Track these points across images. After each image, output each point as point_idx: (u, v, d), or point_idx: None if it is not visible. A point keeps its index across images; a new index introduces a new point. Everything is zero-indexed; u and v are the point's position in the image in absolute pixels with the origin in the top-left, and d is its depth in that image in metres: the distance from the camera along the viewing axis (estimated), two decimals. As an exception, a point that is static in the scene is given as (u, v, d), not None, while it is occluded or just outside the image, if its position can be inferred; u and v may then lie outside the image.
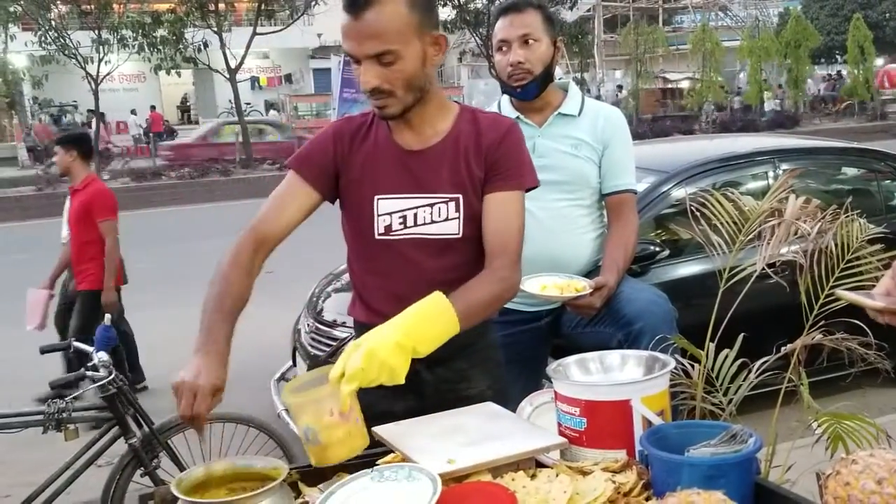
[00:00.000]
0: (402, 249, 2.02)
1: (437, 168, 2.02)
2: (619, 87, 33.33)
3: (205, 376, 1.70)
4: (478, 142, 2.03)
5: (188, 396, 1.68)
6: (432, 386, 2.06)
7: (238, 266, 1.94)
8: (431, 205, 2.01)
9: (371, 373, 1.60)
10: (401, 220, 2.02)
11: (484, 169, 2.02)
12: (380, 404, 1.79)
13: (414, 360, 1.67)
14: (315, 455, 1.62)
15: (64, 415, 3.45)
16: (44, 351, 3.63)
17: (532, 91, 2.81)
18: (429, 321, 1.72)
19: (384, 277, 2.07)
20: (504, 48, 2.78)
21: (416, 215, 2.02)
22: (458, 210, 2.01)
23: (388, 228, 2.03)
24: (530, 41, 2.75)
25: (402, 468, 1.51)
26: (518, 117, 2.84)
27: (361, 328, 2.07)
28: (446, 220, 2.01)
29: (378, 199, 2.02)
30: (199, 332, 1.81)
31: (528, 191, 2.09)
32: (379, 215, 2.02)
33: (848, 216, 2.66)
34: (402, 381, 1.63)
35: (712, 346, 2.51)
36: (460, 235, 2.02)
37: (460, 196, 2.01)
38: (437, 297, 1.75)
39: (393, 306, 1.89)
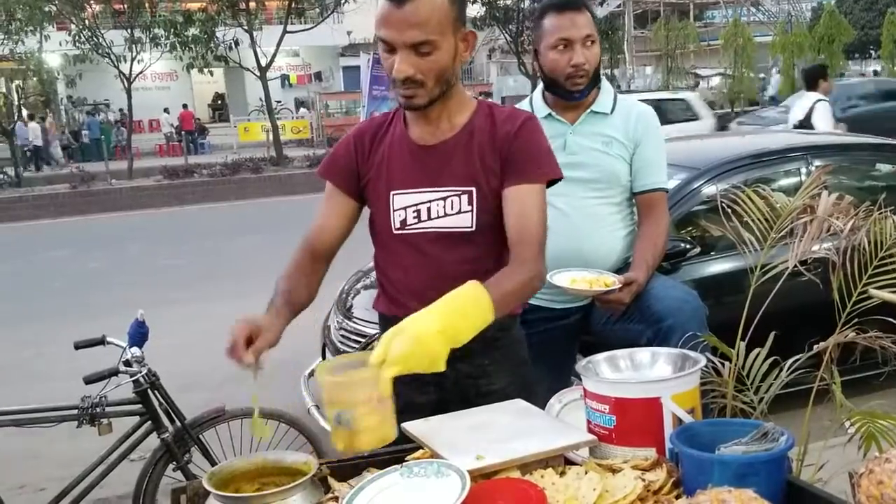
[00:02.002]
0: (418, 243, 2.07)
1: (449, 161, 2.05)
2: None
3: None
4: (493, 135, 2.06)
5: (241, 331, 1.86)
6: (452, 380, 2.03)
7: (299, 269, 2.10)
8: (444, 198, 2.04)
9: (413, 359, 1.61)
10: (415, 214, 2.06)
11: (500, 161, 2.03)
12: (400, 397, 1.79)
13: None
14: (343, 440, 1.61)
15: (98, 409, 3.49)
16: (78, 346, 3.68)
17: (586, 92, 2.79)
18: (467, 309, 1.73)
19: (403, 271, 2.13)
20: (562, 47, 2.72)
21: (429, 209, 2.05)
22: (471, 203, 2.04)
23: (404, 223, 2.08)
24: (590, 42, 2.73)
25: (431, 464, 1.52)
26: (550, 114, 2.83)
27: (386, 321, 2.13)
28: (459, 213, 2.04)
29: (393, 194, 2.08)
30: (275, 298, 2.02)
31: (551, 183, 2.08)
32: (395, 210, 2.08)
33: (881, 213, 2.63)
34: (442, 369, 1.64)
35: (743, 344, 2.49)
36: (474, 228, 2.04)
37: (473, 189, 2.03)
38: (473, 285, 1.76)
39: (413, 300, 1.96)
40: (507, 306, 1.86)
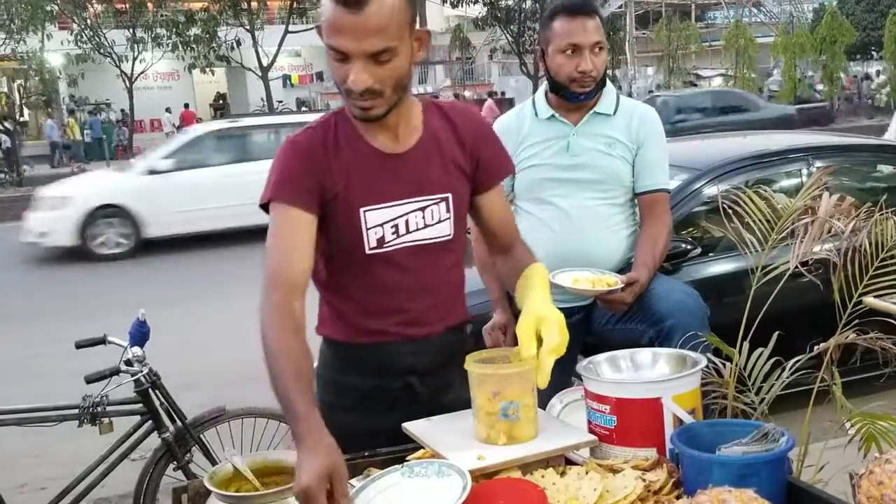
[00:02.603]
0: (399, 260, 1.91)
1: (425, 168, 1.93)
2: (651, 92, 32.94)
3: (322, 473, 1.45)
4: (457, 135, 1.97)
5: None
6: (427, 397, 1.97)
7: (286, 331, 1.72)
8: (423, 208, 1.92)
9: (563, 346, 1.67)
10: (393, 229, 1.90)
11: (473, 164, 1.98)
12: (377, 420, 1.79)
13: (409, 372, 1.77)
14: (507, 432, 1.62)
15: (99, 409, 3.49)
16: (79, 346, 3.68)
17: (591, 96, 2.79)
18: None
19: (381, 293, 1.94)
20: (571, 52, 2.70)
21: (407, 222, 1.91)
22: (448, 210, 1.94)
23: (381, 241, 1.89)
24: (599, 49, 2.72)
25: (432, 464, 1.52)
26: (553, 115, 2.83)
27: (339, 347, 2.00)
28: (439, 221, 1.94)
29: (364, 211, 1.88)
30: (290, 417, 1.59)
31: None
32: (368, 228, 1.88)
33: (883, 214, 2.63)
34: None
35: (746, 344, 2.49)
36: (452, 236, 1.97)
37: (450, 195, 1.94)
38: (542, 267, 1.91)
39: (392, 321, 1.94)
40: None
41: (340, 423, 1.71)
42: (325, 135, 1.91)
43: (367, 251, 1.89)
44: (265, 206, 1.87)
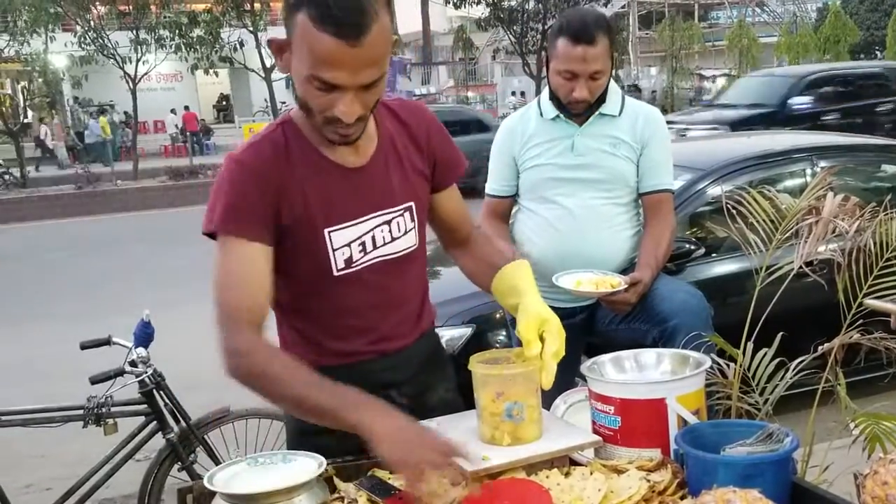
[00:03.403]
0: (368, 277, 1.80)
1: (387, 179, 1.81)
2: (654, 93, 32.90)
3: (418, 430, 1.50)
4: (411, 136, 1.87)
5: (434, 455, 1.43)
6: (407, 408, 1.79)
7: (277, 356, 1.67)
8: (388, 221, 1.81)
9: (563, 347, 1.67)
10: (360, 247, 1.78)
11: (430, 165, 1.90)
12: (356, 438, 1.60)
13: (386, 386, 1.71)
14: (511, 433, 1.62)
15: (103, 410, 3.50)
16: (84, 347, 3.69)
17: (585, 114, 2.81)
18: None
19: (350, 314, 1.83)
20: (568, 77, 2.72)
21: (373, 238, 1.80)
22: (413, 219, 1.85)
23: (349, 261, 1.78)
24: (598, 76, 2.72)
25: (275, 454, 1.58)
26: (558, 116, 2.84)
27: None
28: (405, 233, 1.84)
29: (329, 232, 1.75)
30: (345, 418, 1.52)
31: None
32: (335, 249, 1.76)
33: (887, 214, 2.63)
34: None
35: (750, 345, 2.49)
36: (417, 245, 1.88)
37: (413, 203, 1.85)
38: (525, 264, 1.87)
39: (364, 341, 1.85)
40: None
41: (316, 446, 1.64)
42: (275, 151, 1.73)
43: (336, 273, 1.77)
44: (210, 234, 1.73)
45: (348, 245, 1.77)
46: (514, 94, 32.41)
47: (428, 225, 1.97)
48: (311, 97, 1.61)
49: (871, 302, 2.45)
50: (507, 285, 1.86)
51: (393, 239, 1.83)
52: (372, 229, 1.80)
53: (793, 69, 18.76)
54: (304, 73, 1.57)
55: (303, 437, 1.78)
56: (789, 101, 13.76)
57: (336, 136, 1.66)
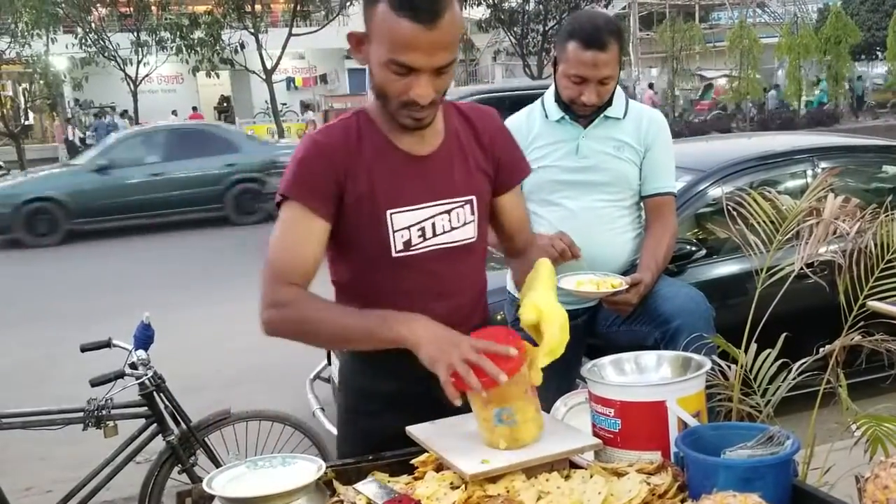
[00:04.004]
0: (424, 263, 1.89)
1: (449, 170, 1.92)
2: (651, 86, 32.92)
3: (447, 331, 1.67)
4: (476, 136, 1.97)
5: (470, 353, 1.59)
6: (433, 400, 1.82)
7: (315, 300, 1.81)
8: (448, 211, 1.90)
9: (562, 347, 1.67)
10: (420, 232, 1.88)
11: (494, 165, 1.98)
12: (402, 424, 1.75)
13: (432, 377, 1.66)
14: (506, 437, 1.61)
15: (103, 412, 3.49)
16: (84, 349, 3.69)
17: (590, 116, 2.81)
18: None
19: (404, 297, 1.88)
20: (577, 81, 2.70)
21: (434, 225, 1.89)
22: (473, 212, 1.93)
23: (408, 244, 1.87)
24: (607, 81, 2.72)
25: (274, 457, 1.58)
26: (563, 117, 2.83)
27: (362, 352, 1.96)
28: (464, 224, 1.92)
29: (391, 213, 1.85)
30: (386, 332, 1.72)
31: None
32: (395, 231, 1.86)
33: (888, 215, 2.62)
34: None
35: (753, 346, 2.49)
36: (476, 239, 1.95)
37: (474, 197, 1.93)
38: (549, 264, 1.86)
39: None
40: None
41: (366, 428, 1.86)
42: (347, 135, 1.88)
43: (394, 254, 1.87)
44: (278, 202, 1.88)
45: (408, 228, 1.87)
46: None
47: (493, 230, 2.08)
48: (388, 82, 1.74)
49: (873, 304, 2.45)
50: (529, 279, 1.87)
51: (452, 228, 1.91)
52: (432, 216, 1.89)
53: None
54: (383, 58, 1.70)
55: (349, 414, 2.03)
56: None
57: (410, 121, 1.79)
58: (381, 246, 1.86)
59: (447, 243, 1.91)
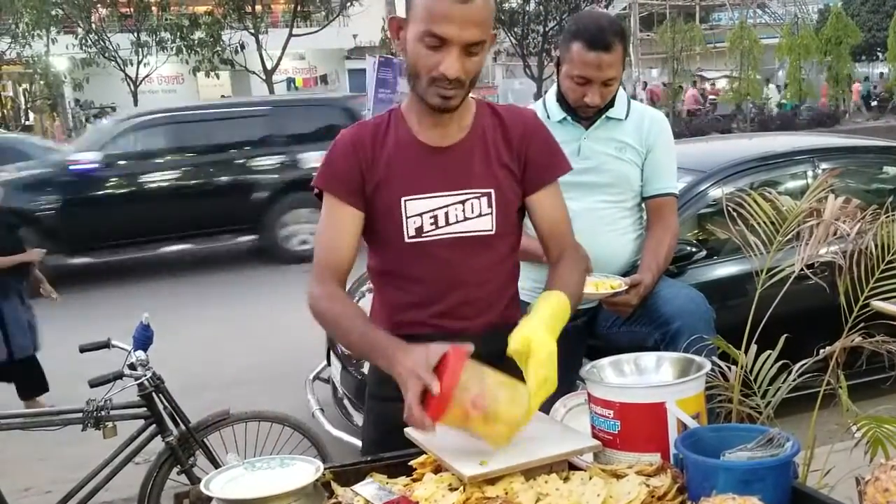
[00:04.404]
0: (436, 251, 1.95)
1: (468, 163, 1.96)
2: (644, 84, 32.88)
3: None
4: (505, 135, 2.00)
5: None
6: None
7: (338, 300, 1.93)
8: (463, 201, 1.94)
9: (552, 380, 1.67)
10: (432, 220, 1.94)
11: (521, 163, 1.99)
12: (399, 412, 1.73)
13: None
14: (484, 422, 1.59)
15: (102, 413, 3.49)
16: (83, 350, 3.68)
17: (592, 117, 2.81)
18: (561, 323, 1.79)
19: (417, 283, 1.98)
20: (581, 82, 2.70)
21: (447, 214, 1.94)
22: (490, 205, 1.95)
23: (420, 230, 1.94)
24: (611, 83, 2.71)
25: (272, 459, 1.58)
26: (565, 118, 2.83)
27: None
28: (479, 216, 1.95)
29: (405, 200, 1.94)
30: (380, 353, 1.79)
31: None
32: (408, 217, 1.94)
33: (889, 216, 2.62)
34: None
35: (753, 347, 2.48)
36: (494, 232, 1.97)
37: (492, 190, 1.95)
38: (559, 295, 1.83)
39: (427, 313, 1.96)
40: (575, 307, 1.91)
41: (384, 412, 1.93)
42: (377, 129, 2.00)
43: (406, 240, 1.94)
44: (319, 195, 2.01)
45: (420, 215, 1.94)
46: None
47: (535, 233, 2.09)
48: (420, 57, 1.83)
49: (877, 304, 2.44)
50: (531, 308, 1.86)
51: (466, 218, 1.95)
52: (446, 206, 1.94)
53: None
54: (419, 31, 1.81)
55: (371, 400, 2.14)
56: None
57: (438, 99, 1.85)
58: (395, 231, 1.95)
59: (460, 233, 1.95)
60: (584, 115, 2.78)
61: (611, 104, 2.80)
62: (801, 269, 2.56)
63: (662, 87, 32.42)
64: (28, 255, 5.79)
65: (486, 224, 1.96)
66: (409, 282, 1.99)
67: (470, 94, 1.97)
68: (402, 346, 1.73)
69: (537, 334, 1.71)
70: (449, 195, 1.94)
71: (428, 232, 1.94)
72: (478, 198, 1.95)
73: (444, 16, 1.78)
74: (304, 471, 1.52)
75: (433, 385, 1.58)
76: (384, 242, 2.00)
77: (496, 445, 1.60)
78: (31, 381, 5.61)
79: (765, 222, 2.64)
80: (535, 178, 2.02)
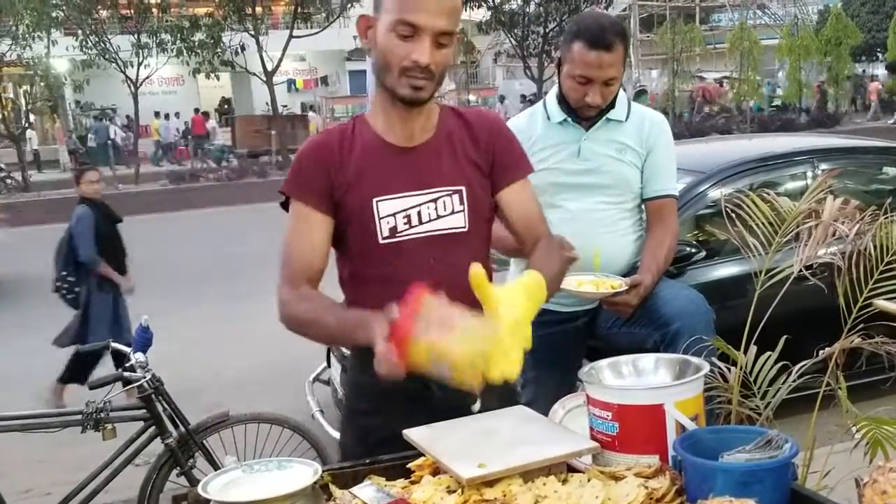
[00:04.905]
0: (411, 250, 1.94)
1: (436, 161, 1.98)
2: (644, 89, 32.82)
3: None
4: (472, 135, 2.02)
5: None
6: (446, 402, 1.83)
7: (312, 299, 1.92)
8: (434, 200, 1.95)
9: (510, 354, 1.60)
10: (405, 219, 1.94)
11: (489, 161, 2.02)
12: (398, 424, 1.74)
13: (426, 379, 1.63)
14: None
15: (102, 415, 3.49)
16: (83, 352, 3.68)
17: (593, 119, 2.81)
18: (537, 297, 1.76)
19: (395, 284, 1.83)
20: (582, 81, 2.70)
21: (419, 213, 1.95)
22: (462, 203, 1.97)
23: (394, 230, 1.94)
24: (612, 82, 2.71)
25: (270, 461, 1.57)
26: (565, 119, 2.83)
27: (360, 346, 1.92)
28: (452, 213, 1.96)
29: (377, 201, 1.94)
30: (358, 332, 1.75)
31: None
32: (381, 218, 1.94)
33: (887, 217, 2.62)
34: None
35: (753, 348, 2.48)
36: (467, 228, 1.97)
37: (463, 188, 1.97)
38: (536, 276, 1.80)
39: None
40: (552, 292, 1.90)
41: (363, 427, 1.90)
42: (343, 135, 2.00)
43: (381, 241, 1.94)
44: (284, 203, 2.00)
45: (393, 216, 1.94)
46: (524, 99, 31.71)
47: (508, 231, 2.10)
48: (392, 48, 1.85)
49: (880, 303, 2.43)
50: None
51: (439, 216, 1.95)
52: (418, 205, 1.94)
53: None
54: (391, 22, 1.83)
55: (351, 413, 2.10)
56: None
57: (409, 90, 1.87)
58: (369, 233, 1.94)
59: (434, 231, 1.95)
60: (584, 115, 2.78)
61: (611, 105, 2.80)
62: (801, 270, 2.56)
63: (714, 83, 32.33)
64: (123, 281, 6.07)
65: (459, 221, 1.97)
66: (386, 284, 1.91)
67: (439, 98, 1.98)
68: (379, 313, 1.70)
69: (509, 294, 1.68)
70: (420, 194, 1.95)
71: (402, 231, 1.95)
72: (449, 195, 1.96)
73: (415, 4, 1.81)
74: (303, 473, 1.52)
75: (394, 313, 1.59)
76: (358, 246, 1.98)
77: (467, 380, 1.55)
78: (82, 369, 5.64)
79: (764, 223, 2.64)
80: (505, 175, 2.04)
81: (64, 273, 5.97)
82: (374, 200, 1.94)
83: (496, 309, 1.65)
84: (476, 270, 1.66)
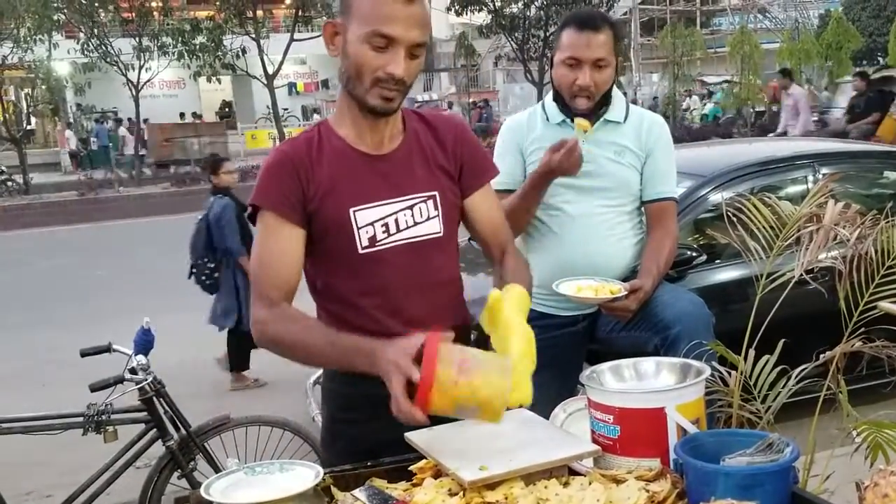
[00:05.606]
0: (391, 258, 1.93)
1: (409, 168, 1.98)
2: (655, 100, 32.84)
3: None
4: (438, 138, 2.03)
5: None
6: None
7: (293, 320, 1.89)
8: (410, 206, 1.95)
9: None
10: (384, 227, 1.93)
11: (457, 165, 2.03)
12: (385, 432, 1.74)
13: None
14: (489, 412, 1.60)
15: (103, 417, 3.50)
16: (84, 354, 3.69)
17: (590, 113, 2.80)
18: (526, 313, 1.82)
19: (377, 293, 1.95)
20: (573, 64, 2.71)
21: (397, 221, 1.94)
22: (437, 208, 1.98)
23: (373, 240, 1.92)
24: (602, 65, 2.71)
25: (272, 464, 1.58)
26: (563, 121, 2.83)
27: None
28: (428, 219, 1.97)
29: (354, 211, 1.91)
30: (358, 358, 1.76)
31: None
32: (359, 228, 1.92)
33: (889, 221, 2.62)
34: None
35: (752, 352, 2.48)
36: (442, 234, 1.99)
37: (436, 193, 1.98)
38: (520, 288, 1.85)
39: (393, 322, 1.91)
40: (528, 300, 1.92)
41: (349, 437, 1.90)
42: (309, 144, 1.96)
43: (360, 250, 1.92)
44: (252, 215, 1.95)
45: (372, 224, 1.92)
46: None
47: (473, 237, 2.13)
48: (366, 59, 1.83)
49: (885, 305, 2.43)
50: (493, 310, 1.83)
51: (416, 223, 1.96)
52: (395, 212, 1.94)
53: None
54: (364, 33, 1.81)
55: (335, 425, 2.09)
56: None
57: (380, 101, 1.86)
58: (347, 244, 1.92)
59: (412, 238, 1.95)
60: (579, 107, 2.75)
61: (607, 104, 2.79)
62: (801, 274, 2.56)
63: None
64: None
65: (434, 227, 1.98)
66: (367, 293, 1.95)
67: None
68: (381, 341, 1.71)
69: (514, 318, 1.74)
70: (396, 201, 1.95)
71: (381, 241, 1.93)
72: (424, 201, 1.97)
73: (390, 15, 1.80)
74: (304, 475, 1.52)
75: (413, 373, 1.58)
76: (335, 256, 1.95)
77: (493, 418, 1.60)
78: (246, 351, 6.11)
79: (765, 227, 2.64)
80: (472, 180, 2.06)
81: (204, 260, 6.34)
82: (352, 210, 1.92)
83: (507, 338, 1.69)
84: (496, 294, 1.69)
